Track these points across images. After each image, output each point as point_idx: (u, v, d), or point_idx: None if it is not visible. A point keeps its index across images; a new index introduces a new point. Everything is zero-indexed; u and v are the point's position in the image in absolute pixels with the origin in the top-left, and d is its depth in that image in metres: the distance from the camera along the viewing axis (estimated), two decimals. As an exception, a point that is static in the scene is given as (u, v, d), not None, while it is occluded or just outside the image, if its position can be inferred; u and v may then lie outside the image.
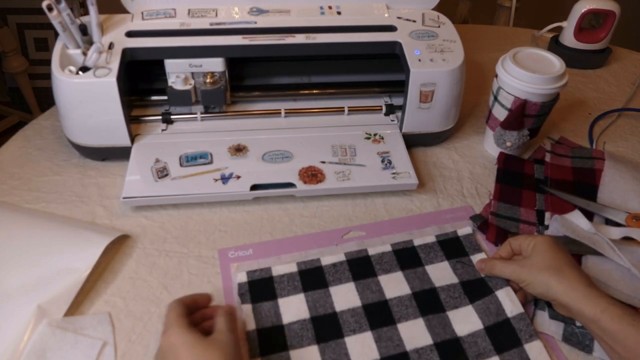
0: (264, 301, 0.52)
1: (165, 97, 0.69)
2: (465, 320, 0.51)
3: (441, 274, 0.55)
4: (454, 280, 0.54)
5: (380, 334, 0.49)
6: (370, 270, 0.55)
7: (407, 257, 0.56)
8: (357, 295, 0.52)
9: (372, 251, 0.57)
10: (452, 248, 0.57)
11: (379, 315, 0.51)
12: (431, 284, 0.54)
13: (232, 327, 0.45)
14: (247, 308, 0.51)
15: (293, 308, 0.51)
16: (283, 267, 0.55)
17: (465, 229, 0.60)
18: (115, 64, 0.62)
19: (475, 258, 0.56)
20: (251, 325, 0.49)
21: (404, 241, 0.58)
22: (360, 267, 0.55)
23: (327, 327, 0.50)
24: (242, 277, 0.54)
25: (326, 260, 0.56)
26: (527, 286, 0.50)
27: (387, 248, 0.57)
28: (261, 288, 0.53)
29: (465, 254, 0.57)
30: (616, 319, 0.44)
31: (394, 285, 0.54)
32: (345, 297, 0.52)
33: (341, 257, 0.56)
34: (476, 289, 0.53)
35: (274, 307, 0.51)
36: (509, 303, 0.51)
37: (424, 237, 0.59)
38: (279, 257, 0.56)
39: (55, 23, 0.61)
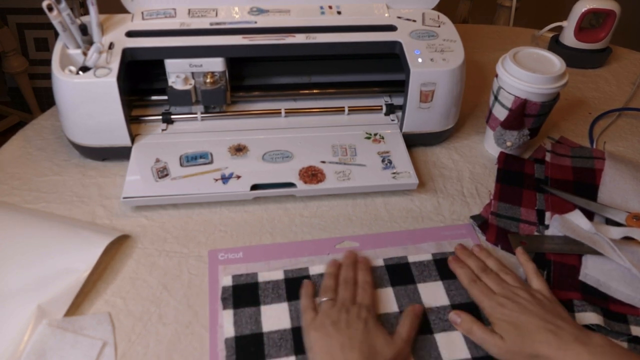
0: (246, 307, 0.50)
1: (165, 97, 0.69)
2: (454, 346, 0.48)
3: (433, 294, 0.52)
4: (446, 302, 0.52)
5: None
6: None
7: (399, 273, 0.54)
8: None
9: None
10: (448, 268, 0.55)
11: None
12: (421, 303, 0.51)
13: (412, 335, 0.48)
14: (228, 313, 0.50)
15: (274, 317, 0.50)
16: (270, 273, 0.54)
17: None
18: (115, 64, 0.62)
19: None
20: (230, 331, 0.48)
21: (397, 257, 0.56)
22: None
23: None
24: (228, 281, 0.53)
25: (315, 270, 0.54)
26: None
27: (380, 263, 0.55)
28: (245, 293, 0.52)
29: None
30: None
31: (382, 301, 0.52)
32: None
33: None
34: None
35: (255, 314, 0.50)
36: None
37: (419, 254, 0.56)
38: (267, 263, 0.55)
39: (55, 23, 0.61)
